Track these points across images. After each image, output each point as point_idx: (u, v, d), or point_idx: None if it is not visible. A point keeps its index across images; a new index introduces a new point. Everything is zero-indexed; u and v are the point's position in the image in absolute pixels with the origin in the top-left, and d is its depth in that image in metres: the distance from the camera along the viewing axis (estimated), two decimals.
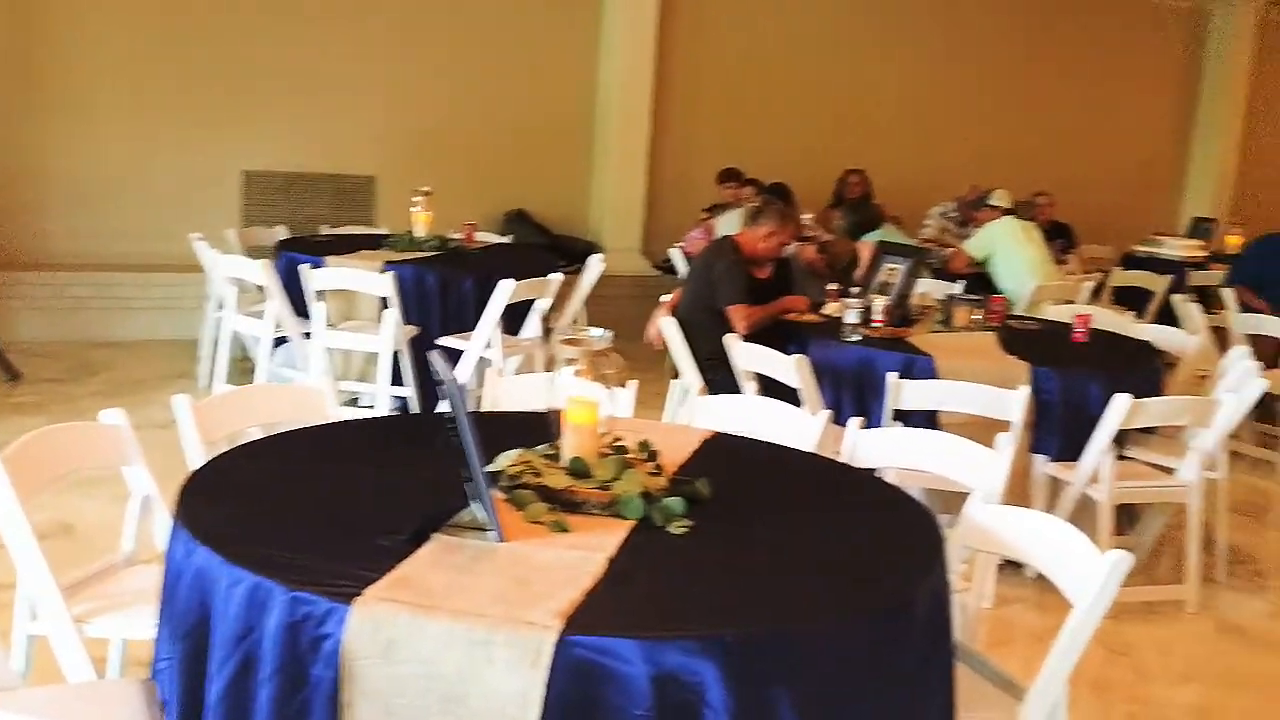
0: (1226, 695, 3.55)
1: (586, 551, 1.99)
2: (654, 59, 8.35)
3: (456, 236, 6.30)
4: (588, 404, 2.30)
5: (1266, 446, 6.04)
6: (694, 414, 3.30)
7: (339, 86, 7.69)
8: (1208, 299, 6.97)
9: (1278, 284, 6.72)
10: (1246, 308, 6.37)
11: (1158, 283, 7.53)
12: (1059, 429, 4.13)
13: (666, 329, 4.70)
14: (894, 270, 4.96)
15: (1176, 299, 6.44)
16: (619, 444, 2.41)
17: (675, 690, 1.69)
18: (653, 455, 2.43)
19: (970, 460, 2.88)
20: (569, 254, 7.46)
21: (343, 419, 2.88)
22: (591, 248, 7.60)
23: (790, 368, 4.09)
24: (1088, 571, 2.17)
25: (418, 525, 2.00)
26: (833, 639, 1.84)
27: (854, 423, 3.06)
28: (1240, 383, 4.23)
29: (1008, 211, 6.88)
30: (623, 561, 1.98)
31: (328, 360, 5.21)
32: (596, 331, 2.40)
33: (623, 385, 3.02)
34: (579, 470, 2.25)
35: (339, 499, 2.25)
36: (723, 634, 1.73)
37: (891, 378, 3.91)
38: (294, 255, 5.50)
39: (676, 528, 2.13)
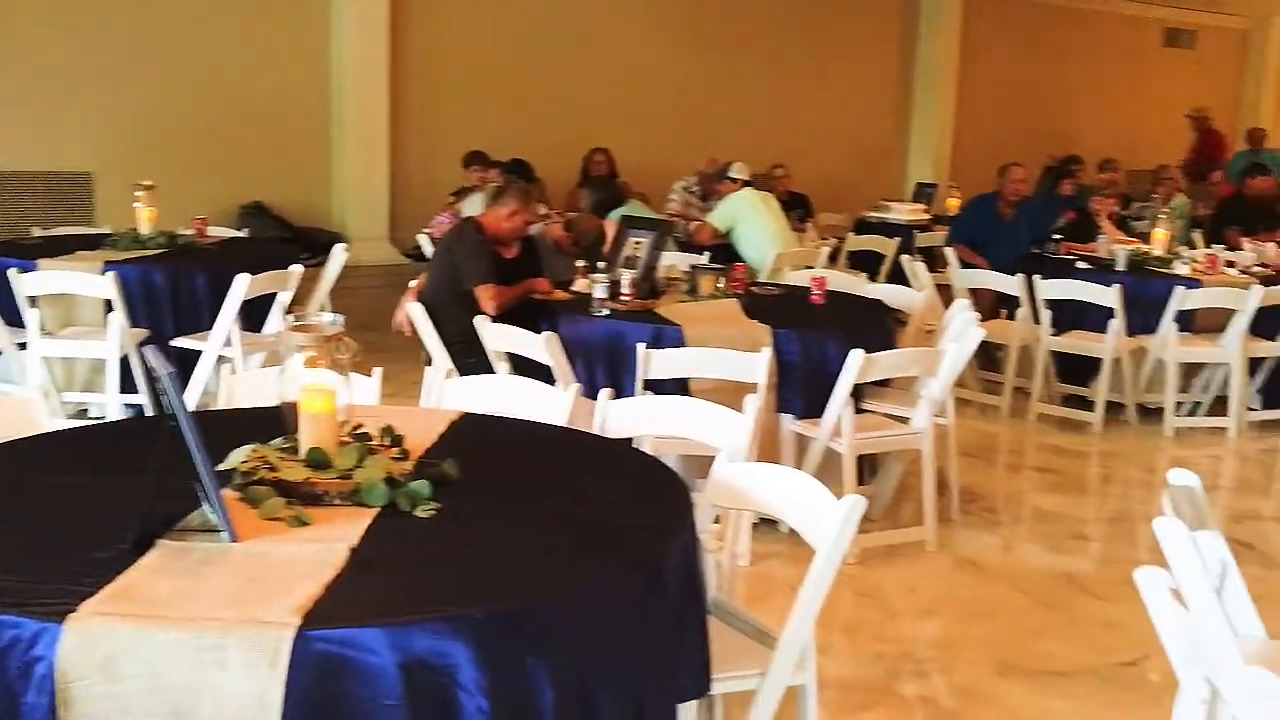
0: (965, 625, 3.79)
1: (328, 543, 1.91)
2: (388, 41, 8.16)
3: (187, 233, 5.97)
4: (323, 392, 2.21)
5: (991, 392, 6.48)
6: (443, 397, 3.24)
7: (48, 78, 7.13)
8: (933, 258, 7.42)
9: (992, 241, 7.22)
10: (966, 264, 6.81)
11: (888, 245, 7.96)
12: (802, 387, 4.29)
13: (414, 314, 4.60)
14: (639, 244, 5.02)
15: (905, 260, 6.82)
16: (360, 431, 2.33)
17: (426, 675, 1.65)
18: (397, 440, 2.36)
19: (717, 423, 2.95)
20: (312, 246, 7.21)
21: (56, 429, 2.66)
22: (336, 238, 7.36)
23: (540, 345, 4.08)
24: (826, 518, 2.26)
25: (140, 532, 1.87)
26: (585, 608, 1.84)
27: (604, 394, 3.08)
28: (962, 333, 4.51)
29: (747, 183, 7.11)
30: (367, 550, 1.91)
31: (46, 371, 4.84)
32: (327, 316, 2.31)
33: (367, 372, 2.94)
34: (318, 461, 2.17)
35: (49, 513, 2.08)
36: (471, 613, 1.70)
37: (641, 348, 3.96)
38: (1, 260, 5.07)
39: (423, 511, 2.08)
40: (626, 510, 2.23)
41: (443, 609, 1.70)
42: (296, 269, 5.22)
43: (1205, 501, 2.65)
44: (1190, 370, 6.32)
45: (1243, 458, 5.86)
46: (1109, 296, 5.91)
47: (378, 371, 3.05)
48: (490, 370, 4.30)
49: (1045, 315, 6.17)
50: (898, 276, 6.84)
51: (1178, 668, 2.17)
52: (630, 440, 3.24)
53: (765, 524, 4.15)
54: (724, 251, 6.53)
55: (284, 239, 7.56)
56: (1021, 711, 3.21)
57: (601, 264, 4.83)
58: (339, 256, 5.80)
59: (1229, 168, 11.32)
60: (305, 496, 2.10)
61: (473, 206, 6.40)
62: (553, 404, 3.05)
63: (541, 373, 4.00)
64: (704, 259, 5.92)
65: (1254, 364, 6.31)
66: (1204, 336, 6.16)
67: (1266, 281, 6.21)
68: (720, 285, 5.03)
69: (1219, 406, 6.21)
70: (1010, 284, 6.32)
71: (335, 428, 2.24)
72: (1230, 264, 6.67)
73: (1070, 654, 3.55)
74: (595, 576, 1.92)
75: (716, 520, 3.05)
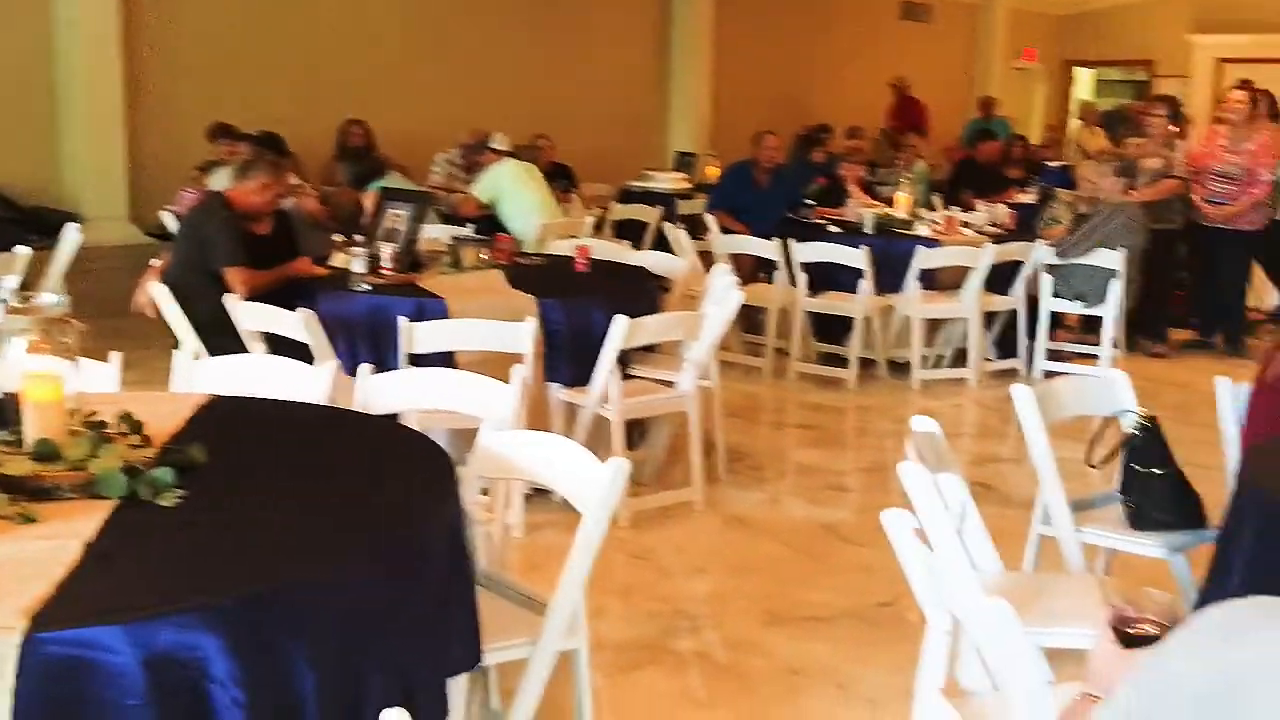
0: (735, 580, 3.90)
1: (60, 540, 1.78)
2: (119, 6, 7.62)
3: None
4: (48, 379, 2.05)
5: (753, 354, 6.70)
6: (193, 380, 3.07)
7: None
8: (695, 225, 7.59)
9: (750, 208, 7.43)
10: (726, 230, 6.99)
11: (651, 214, 8.09)
12: (568, 356, 4.30)
13: (157, 295, 4.35)
14: (399, 217, 4.91)
15: (668, 227, 6.94)
16: (95, 420, 2.18)
17: (173, 670, 1.56)
18: (137, 427, 2.22)
19: (482, 393, 2.92)
20: (43, 227, 6.70)
21: None
22: (69, 218, 6.86)
23: (298, 323, 3.93)
24: (592, 483, 2.27)
25: None
26: (342, 587, 1.78)
27: (363, 370, 3.00)
28: (722, 297, 4.63)
29: (509, 154, 7.06)
30: (104, 544, 1.79)
31: None
32: (50, 297, 2.14)
33: (103, 358, 2.75)
34: (46, 453, 2.01)
35: None
36: (220, 602, 1.62)
37: (403, 322, 3.88)
38: None
39: (167, 500, 1.96)
40: (387, 486, 2.18)
41: (188, 600, 1.61)
42: (22, 251, 4.85)
43: (945, 446, 2.81)
44: (934, 325, 6.71)
45: (982, 405, 6.27)
46: (858, 258, 6.19)
47: (116, 356, 2.87)
48: (244, 351, 4.11)
49: (801, 278, 6.41)
50: (662, 244, 6.96)
51: (923, 603, 2.30)
52: (395, 416, 3.18)
53: (539, 494, 4.15)
54: (489, 223, 6.47)
55: (9, 219, 6.99)
56: (788, 658, 3.33)
57: (360, 238, 4.70)
58: (71, 237, 5.43)
59: (964, 134, 12.03)
60: (33, 492, 1.95)
61: (220, 181, 6.09)
62: (310, 383, 2.95)
63: (300, 352, 3.85)
64: (468, 231, 5.85)
65: (989, 317, 6.76)
66: (945, 293, 6.54)
67: (998, 240, 6.66)
68: (484, 256, 4.98)
69: (960, 358, 6.62)
70: (768, 248, 6.53)
71: (64, 417, 2.09)
72: (966, 224, 7.10)
73: (831, 600, 3.72)
74: (354, 555, 1.86)
75: (485, 492, 3.03)
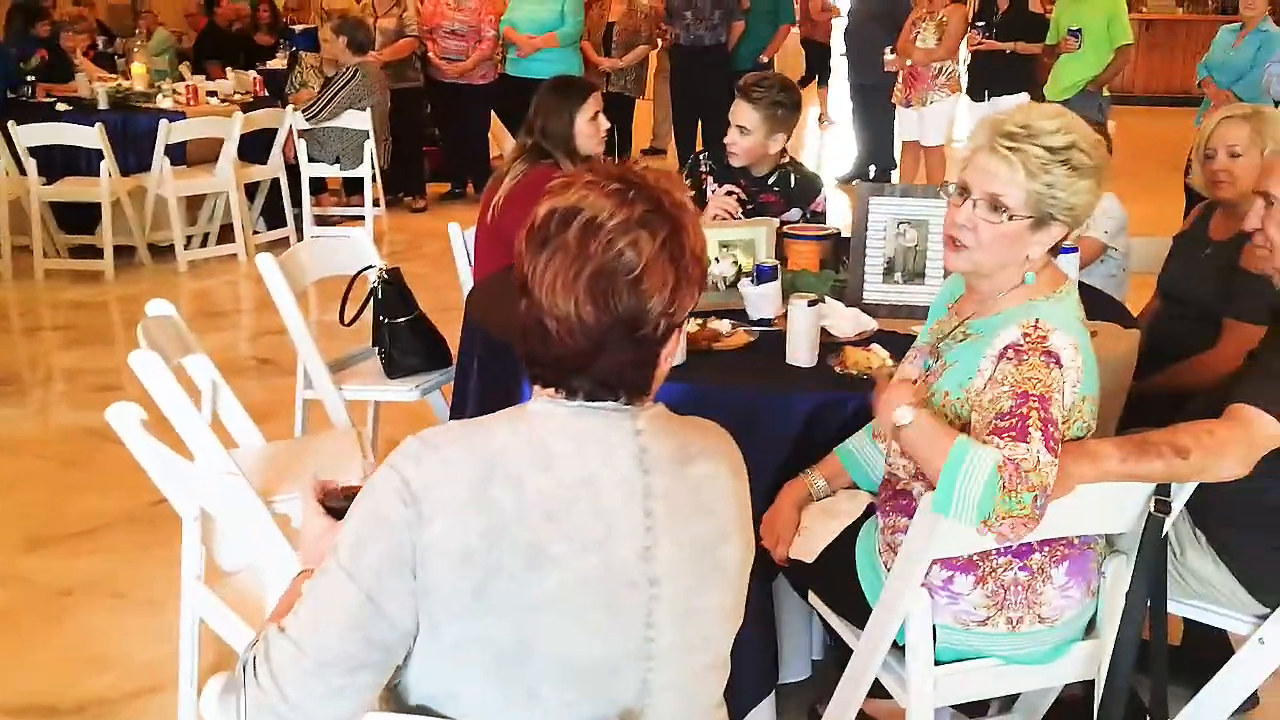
0: None
1: None
2: None
3: None
4: None
5: None
6: None
7: None
8: None
9: None
10: None
11: None
12: None
13: None
14: None
15: None
16: None
17: None
18: None
19: None
20: None
21: None
22: None
23: None
24: None
25: None
26: None
27: None
28: None
29: None
30: None
31: None
32: None
33: None
34: None
35: None
36: None
37: None
38: None
39: None
40: None
41: None
42: None
43: (185, 328, 2.70)
44: (194, 202, 6.41)
45: (255, 279, 6.11)
46: (93, 137, 5.67)
47: None
48: None
49: (31, 164, 5.73)
50: None
51: (168, 493, 2.22)
52: None
53: None
54: None
55: None
56: (56, 580, 3.06)
57: None
58: None
59: None
60: None
61: None
62: None
63: None
64: None
65: (251, 189, 6.60)
66: (200, 167, 6.26)
67: (247, 108, 6.47)
68: None
69: (227, 233, 6.41)
70: None
71: None
72: (212, 94, 6.81)
73: (102, 507, 3.46)
74: None
75: None
